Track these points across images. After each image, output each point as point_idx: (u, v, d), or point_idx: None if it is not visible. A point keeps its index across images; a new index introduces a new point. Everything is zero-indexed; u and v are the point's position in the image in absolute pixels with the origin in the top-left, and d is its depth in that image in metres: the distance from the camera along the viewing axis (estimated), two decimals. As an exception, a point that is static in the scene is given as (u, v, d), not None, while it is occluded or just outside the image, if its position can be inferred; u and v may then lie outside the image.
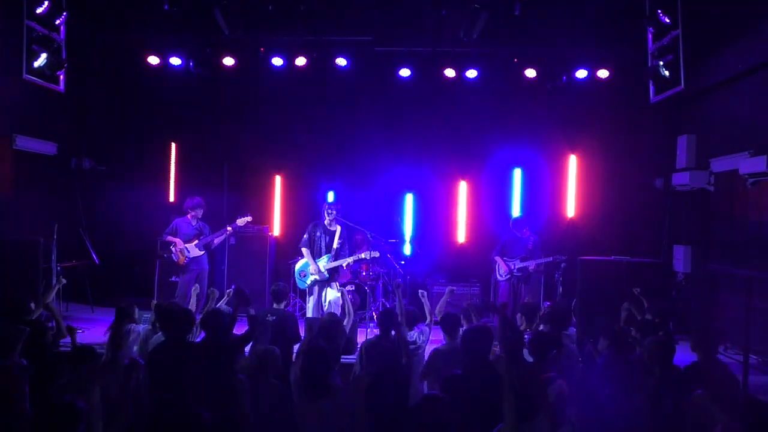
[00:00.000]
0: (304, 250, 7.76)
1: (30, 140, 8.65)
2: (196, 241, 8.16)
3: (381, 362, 4.33)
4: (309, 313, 7.74)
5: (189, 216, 8.28)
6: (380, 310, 8.49)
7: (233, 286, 6.30)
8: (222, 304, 6.06)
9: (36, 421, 2.84)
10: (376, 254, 7.78)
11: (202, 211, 8.32)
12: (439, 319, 5.61)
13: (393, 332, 5.15)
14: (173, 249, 8.13)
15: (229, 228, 8.21)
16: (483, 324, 5.03)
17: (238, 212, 8.43)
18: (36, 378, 3.87)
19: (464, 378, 4.09)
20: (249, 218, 8.36)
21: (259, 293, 8.54)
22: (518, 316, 5.94)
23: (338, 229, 7.69)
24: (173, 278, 8.67)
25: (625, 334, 4.98)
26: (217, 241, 8.30)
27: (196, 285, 6.87)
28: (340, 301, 7.77)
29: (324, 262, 7.61)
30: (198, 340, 5.34)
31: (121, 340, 4.75)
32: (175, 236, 8.16)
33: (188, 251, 8.11)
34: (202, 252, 8.20)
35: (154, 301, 6.03)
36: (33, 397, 3.68)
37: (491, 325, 5.06)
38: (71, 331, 5.05)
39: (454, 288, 6.28)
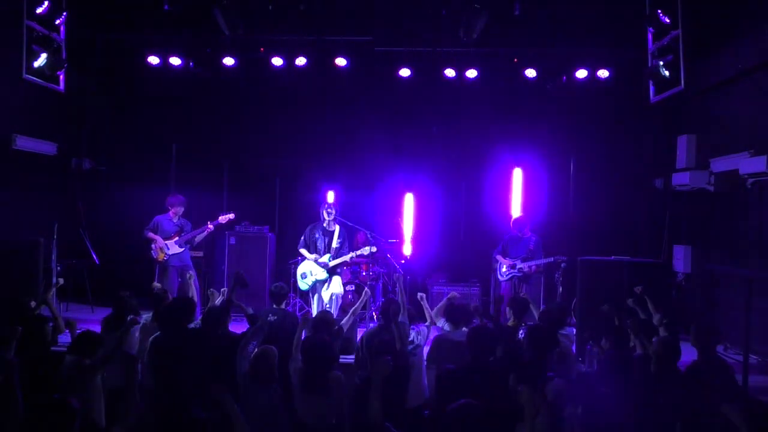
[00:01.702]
0: (302, 250, 7.79)
1: (30, 140, 8.64)
2: (177, 238, 8.10)
3: (380, 353, 4.28)
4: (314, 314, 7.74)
5: (170, 213, 8.22)
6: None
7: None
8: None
9: (29, 420, 2.82)
10: (374, 249, 7.79)
11: (182, 209, 8.25)
12: (437, 322, 5.61)
13: (393, 325, 5.14)
14: (153, 246, 8.09)
15: (210, 225, 8.14)
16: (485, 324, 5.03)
17: (239, 212, 8.42)
18: (35, 374, 3.88)
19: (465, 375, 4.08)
20: (232, 215, 8.33)
21: (259, 293, 8.53)
22: (507, 309, 5.88)
23: (337, 228, 7.71)
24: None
25: (625, 332, 4.96)
26: (198, 237, 8.22)
27: (191, 273, 6.92)
28: (340, 301, 7.79)
29: (325, 262, 7.61)
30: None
31: (123, 331, 4.75)
32: (156, 233, 8.11)
33: (168, 248, 8.05)
34: (183, 249, 8.12)
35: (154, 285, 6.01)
36: (32, 394, 3.68)
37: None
38: (70, 326, 5.05)
39: (456, 293, 6.22)
